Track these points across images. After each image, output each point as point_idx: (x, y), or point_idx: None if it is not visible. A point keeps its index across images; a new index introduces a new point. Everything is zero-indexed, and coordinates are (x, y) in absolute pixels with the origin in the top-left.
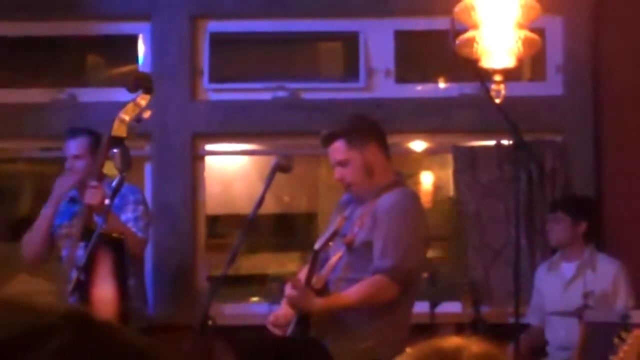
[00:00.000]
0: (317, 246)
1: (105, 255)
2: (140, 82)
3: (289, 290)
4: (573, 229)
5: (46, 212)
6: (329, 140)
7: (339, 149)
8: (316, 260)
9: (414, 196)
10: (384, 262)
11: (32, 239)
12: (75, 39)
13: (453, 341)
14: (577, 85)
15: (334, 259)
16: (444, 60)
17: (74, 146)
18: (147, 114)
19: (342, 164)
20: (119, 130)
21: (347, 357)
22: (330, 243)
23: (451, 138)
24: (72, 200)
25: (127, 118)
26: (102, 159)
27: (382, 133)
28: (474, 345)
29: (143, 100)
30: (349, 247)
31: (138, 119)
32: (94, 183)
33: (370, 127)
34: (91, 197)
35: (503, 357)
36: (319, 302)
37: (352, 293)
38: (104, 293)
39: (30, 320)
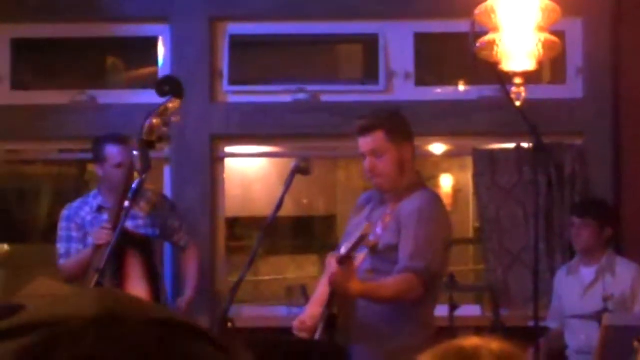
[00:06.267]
0: (343, 251)
1: (135, 258)
2: (170, 87)
3: (333, 265)
4: (600, 234)
5: (88, 254)
6: (368, 129)
7: (377, 139)
8: (348, 264)
9: (439, 199)
10: (416, 263)
11: (73, 272)
12: (94, 41)
13: (473, 340)
14: (597, 88)
15: (357, 261)
16: (463, 63)
17: (120, 153)
18: (176, 118)
19: (377, 154)
20: (149, 134)
21: (378, 358)
22: (357, 249)
23: (471, 141)
24: (100, 209)
25: (157, 122)
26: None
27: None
28: (493, 344)
29: (173, 104)
30: (373, 250)
31: (167, 123)
32: (105, 224)
33: (408, 126)
34: (99, 237)
35: (522, 356)
36: (358, 285)
37: (388, 286)
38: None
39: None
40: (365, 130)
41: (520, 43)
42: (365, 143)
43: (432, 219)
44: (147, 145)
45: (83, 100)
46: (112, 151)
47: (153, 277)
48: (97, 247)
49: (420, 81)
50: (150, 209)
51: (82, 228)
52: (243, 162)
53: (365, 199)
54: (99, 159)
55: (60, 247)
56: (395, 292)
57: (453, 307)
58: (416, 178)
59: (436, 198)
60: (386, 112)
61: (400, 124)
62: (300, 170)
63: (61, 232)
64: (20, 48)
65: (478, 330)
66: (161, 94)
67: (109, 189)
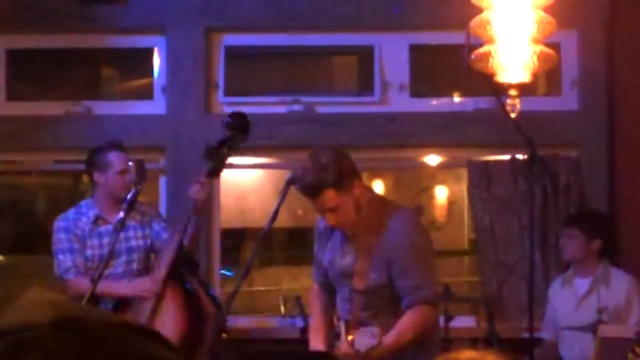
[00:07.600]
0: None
1: (175, 289)
2: (240, 123)
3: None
4: (587, 245)
5: (114, 292)
6: (316, 192)
7: (329, 198)
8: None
9: (411, 217)
10: (424, 293)
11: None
12: (90, 52)
13: (469, 353)
14: (593, 100)
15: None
16: (458, 75)
17: (124, 159)
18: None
19: (334, 209)
20: (222, 163)
21: None
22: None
23: (466, 152)
24: (97, 220)
25: (227, 153)
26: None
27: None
28: (489, 356)
29: (241, 139)
30: (364, 292)
31: (229, 155)
32: (202, 179)
33: (349, 162)
34: (197, 192)
35: None
36: (381, 351)
37: (408, 329)
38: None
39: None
40: (313, 194)
41: (515, 55)
42: (318, 204)
43: (421, 245)
44: (215, 173)
45: (78, 111)
46: (116, 158)
47: (190, 300)
48: (195, 202)
49: (415, 93)
50: (140, 219)
51: (82, 240)
52: (238, 173)
53: (325, 227)
54: (101, 166)
55: (64, 258)
56: (418, 331)
57: (448, 319)
58: (374, 202)
59: (410, 219)
60: (324, 162)
61: (343, 171)
62: (295, 181)
63: (62, 244)
64: (16, 59)
65: (473, 342)
66: (231, 128)
67: (109, 198)
